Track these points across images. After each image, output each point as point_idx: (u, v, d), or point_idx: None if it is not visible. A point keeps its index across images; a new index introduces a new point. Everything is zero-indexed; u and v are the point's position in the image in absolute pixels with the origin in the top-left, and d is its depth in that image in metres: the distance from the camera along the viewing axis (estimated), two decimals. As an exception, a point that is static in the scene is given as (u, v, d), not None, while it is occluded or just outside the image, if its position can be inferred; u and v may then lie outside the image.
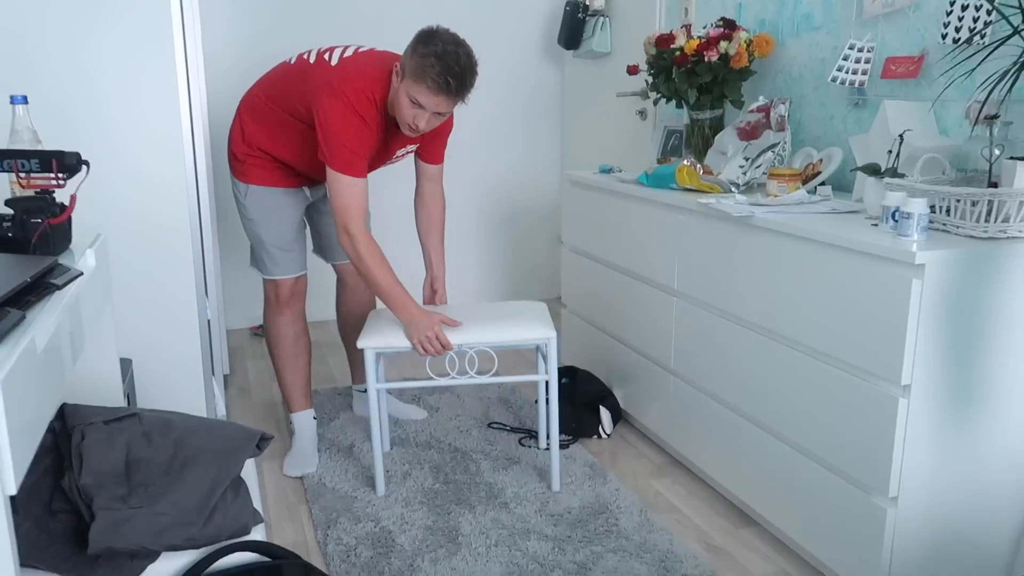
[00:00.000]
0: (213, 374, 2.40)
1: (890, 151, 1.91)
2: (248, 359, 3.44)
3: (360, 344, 2.14)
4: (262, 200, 2.32)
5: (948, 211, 1.68)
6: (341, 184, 2.09)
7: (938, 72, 2.02)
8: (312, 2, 3.65)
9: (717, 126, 2.68)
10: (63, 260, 1.37)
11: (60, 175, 1.45)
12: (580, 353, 2.96)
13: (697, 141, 2.70)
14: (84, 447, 1.21)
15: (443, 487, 2.28)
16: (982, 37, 1.86)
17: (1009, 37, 1.60)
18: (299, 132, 2.22)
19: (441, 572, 1.89)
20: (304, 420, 2.49)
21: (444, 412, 2.79)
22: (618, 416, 2.68)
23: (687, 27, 2.66)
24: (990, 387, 1.63)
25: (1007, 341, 1.61)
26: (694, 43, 2.56)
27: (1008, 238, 1.60)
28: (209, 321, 2.30)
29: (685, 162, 2.38)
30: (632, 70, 2.91)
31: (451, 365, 2.23)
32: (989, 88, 1.76)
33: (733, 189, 2.28)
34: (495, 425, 2.68)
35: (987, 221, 1.60)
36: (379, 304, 2.74)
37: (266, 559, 1.25)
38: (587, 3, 3.59)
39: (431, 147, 2.39)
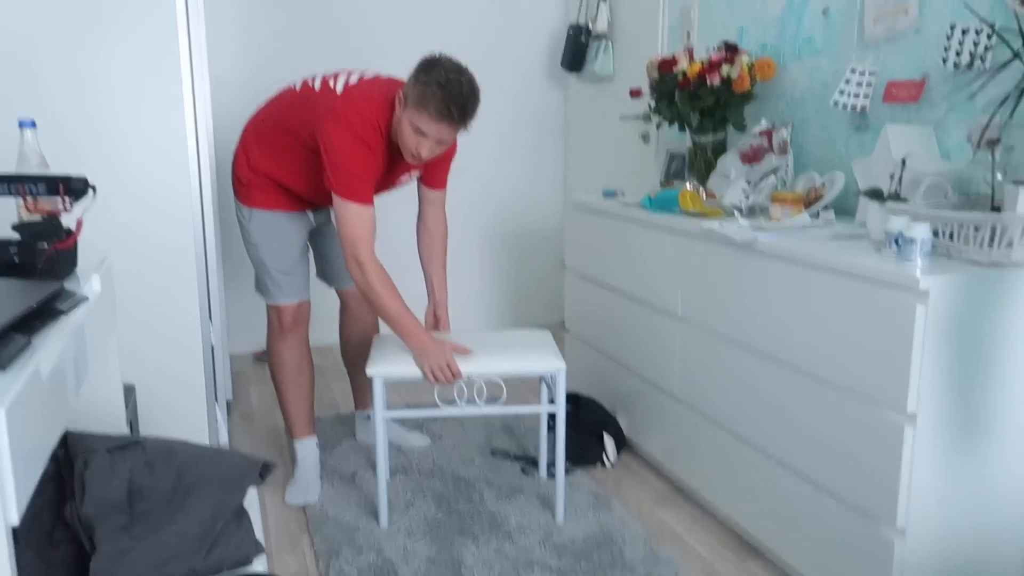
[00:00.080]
0: (216, 400, 2.39)
1: (892, 175, 1.91)
2: (251, 384, 3.43)
3: (369, 371, 2.13)
4: (265, 224, 2.33)
5: (951, 236, 1.68)
6: (348, 211, 2.09)
7: (939, 96, 2.03)
8: (318, 26, 3.69)
9: (720, 149, 2.69)
10: (69, 284, 1.37)
11: (67, 199, 1.46)
12: (583, 379, 2.95)
13: (700, 165, 2.71)
14: (87, 476, 1.20)
15: (446, 517, 2.26)
16: (983, 61, 1.87)
17: (1009, 62, 1.61)
18: (303, 158, 2.23)
19: (445, 600, 1.87)
20: (307, 448, 2.47)
21: (446, 439, 2.77)
22: (622, 443, 2.66)
23: (689, 51, 2.67)
24: (998, 414, 1.62)
25: (1014, 367, 1.60)
26: (696, 67, 2.58)
27: (1012, 264, 1.59)
28: (213, 346, 2.29)
29: (688, 186, 2.39)
30: (635, 93, 2.93)
31: (460, 394, 2.22)
32: (990, 113, 1.77)
33: (736, 213, 2.29)
34: (498, 453, 2.67)
35: (990, 246, 1.60)
36: (383, 329, 2.73)
37: (268, 589, 1.24)
38: (590, 27, 3.62)
39: (434, 172, 2.40)
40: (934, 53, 2.03)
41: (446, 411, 2.16)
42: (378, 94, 2.14)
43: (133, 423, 1.94)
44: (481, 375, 2.14)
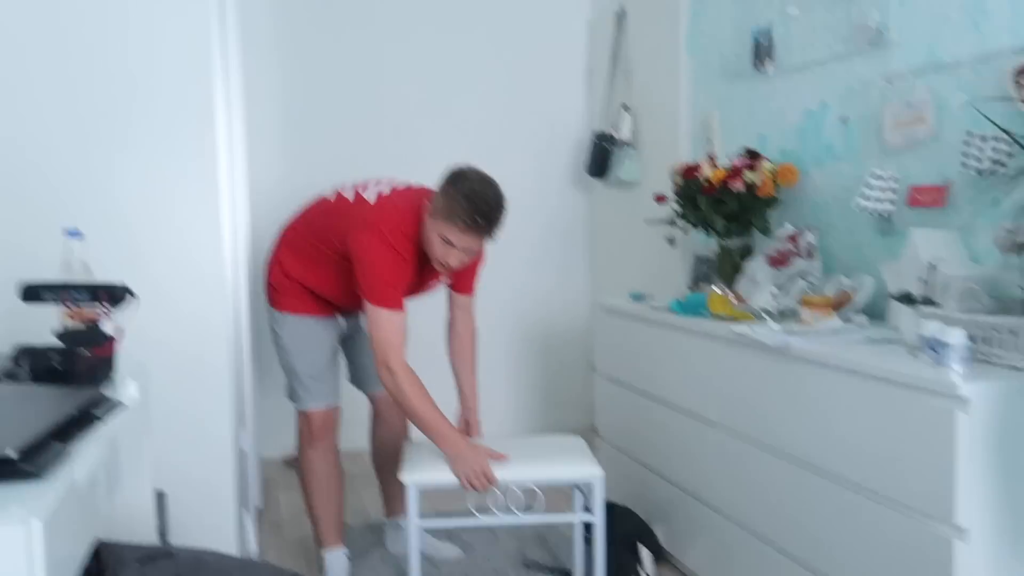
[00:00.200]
0: (246, 508, 2.37)
1: (922, 279, 1.91)
2: (281, 491, 3.39)
3: (403, 478, 2.10)
4: (296, 329, 2.36)
5: (987, 341, 1.65)
6: (380, 317, 2.12)
7: (964, 200, 2.05)
8: (352, 134, 3.83)
9: (746, 253, 2.72)
10: (106, 390, 1.39)
11: (108, 306, 1.50)
12: (616, 486, 2.88)
13: (727, 268, 2.72)
14: (116, 587, 1.19)
15: (478, 630, 2.17)
16: (1004, 167, 1.89)
17: (1032, 167, 1.63)
18: (336, 265, 2.28)
19: None
20: (336, 560, 2.42)
21: (478, 550, 2.70)
22: (659, 555, 2.56)
23: (712, 157, 2.74)
24: (1049, 522, 1.55)
25: (1063, 473, 1.54)
26: (720, 173, 2.63)
27: (1052, 366, 1.56)
28: (245, 452, 2.29)
29: (716, 289, 2.40)
30: (659, 199, 2.98)
31: (495, 502, 2.17)
32: (1016, 217, 1.77)
33: (766, 317, 2.28)
34: (532, 565, 2.59)
35: (1029, 349, 1.58)
36: (415, 435, 2.71)
37: None
38: (613, 134, 3.73)
39: (463, 278, 2.44)
40: (954, 159, 2.06)
41: (481, 520, 2.11)
42: (408, 204, 2.20)
43: (163, 530, 1.92)
44: (517, 482, 2.10)
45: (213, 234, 2.06)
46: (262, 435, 3.80)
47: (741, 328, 2.11)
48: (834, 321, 2.05)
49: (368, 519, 3.02)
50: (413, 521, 2.10)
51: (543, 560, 2.61)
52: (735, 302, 2.42)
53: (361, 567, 2.57)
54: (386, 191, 2.27)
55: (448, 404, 2.49)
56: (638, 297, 2.87)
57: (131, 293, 1.51)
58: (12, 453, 0.93)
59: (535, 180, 4.09)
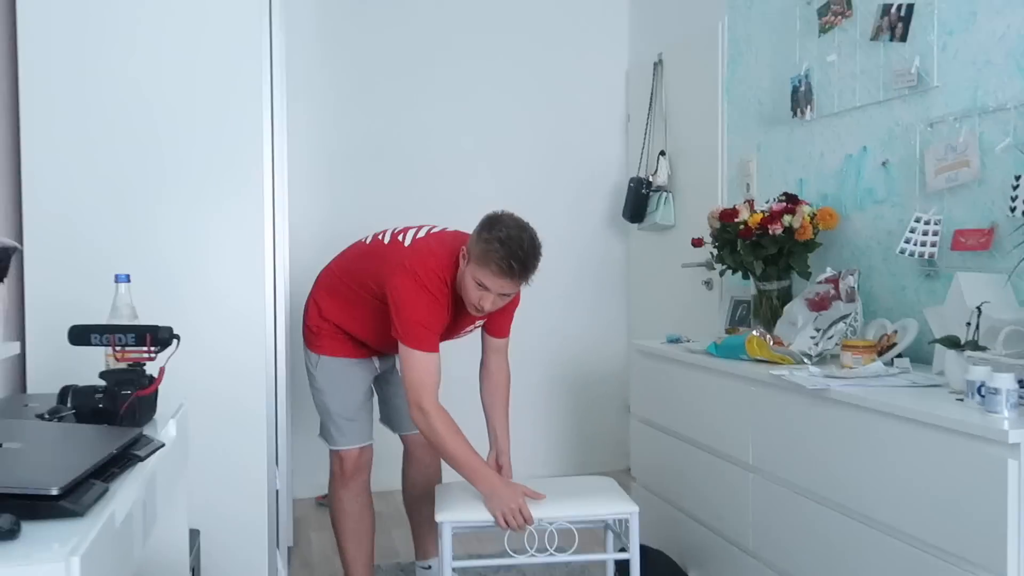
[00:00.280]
0: (278, 547, 2.36)
1: (968, 323, 1.86)
2: (312, 530, 3.39)
3: (438, 518, 2.08)
4: (331, 370, 2.38)
5: (1038, 386, 1.60)
6: (414, 359, 2.13)
7: (1011, 243, 2.00)
8: (390, 180, 3.89)
9: (785, 296, 2.68)
10: (147, 430, 1.41)
11: (152, 348, 1.53)
12: (651, 530, 2.83)
13: (765, 311, 2.69)
14: (149, 627, 1.19)
15: (509, 677, 2.13)
16: (1053, 210, 1.85)
17: (1082, 211, 1.60)
18: (372, 308, 2.30)
19: None
20: (366, 599, 2.40)
21: (509, 592, 2.66)
22: (694, 601, 2.51)
23: (750, 202, 2.72)
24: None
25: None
26: (758, 217, 2.62)
27: (1108, 415, 1.51)
28: (277, 491, 2.29)
29: (755, 332, 2.37)
30: (696, 243, 2.97)
31: (530, 541, 2.14)
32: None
33: (806, 360, 2.24)
34: (563, 608, 2.54)
35: (1082, 397, 1.53)
36: (448, 476, 2.70)
37: None
38: (650, 179, 3.74)
39: (497, 322, 2.44)
40: (1001, 202, 2.03)
41: (516, 559, 2.08)
42: (444, 248, 2.22)
43: (196, 568, 1.92)
44: (552, 520, 2.08)
45: (255, 280, 2.10)
46: (295, 474, 3.80)
47: (778, 371, 2.07)
48: (876, 365, 2.01)
49: (399, 560, 2.99)
50: (447, 561, 2.07)
51: (577, 607, 2.56)
52: (773, 345, 2.38)
53: (392, 611, 2.55)
54: (422, 235, 2.29)
55: (480, 445, 2.48)
56: (674, 339, 2.84)
57: (176, 336, 1.53)
58: (54, 491, 0.94)
59: (573, 224, 4.11)
